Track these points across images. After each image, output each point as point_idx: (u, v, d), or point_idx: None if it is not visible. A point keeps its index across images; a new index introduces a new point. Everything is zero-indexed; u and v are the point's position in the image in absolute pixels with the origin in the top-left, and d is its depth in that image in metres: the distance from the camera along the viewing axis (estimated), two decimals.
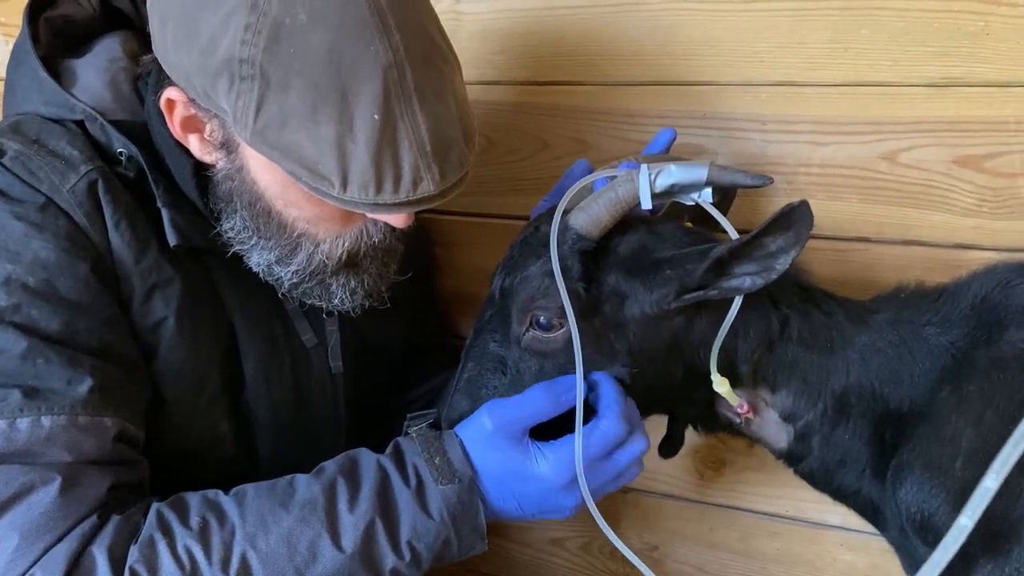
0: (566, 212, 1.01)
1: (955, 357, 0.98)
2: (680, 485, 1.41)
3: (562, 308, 0.97)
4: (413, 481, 0.99)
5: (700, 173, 1.00)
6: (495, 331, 1.05)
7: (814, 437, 1.05)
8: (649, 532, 1.46)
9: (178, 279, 1.03)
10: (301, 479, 1.00)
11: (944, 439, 0.95)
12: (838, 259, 1.22)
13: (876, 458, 1.03)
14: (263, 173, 0.98)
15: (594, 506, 1.02)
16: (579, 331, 0.97)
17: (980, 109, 1.11)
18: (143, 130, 1.05)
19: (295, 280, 1.05)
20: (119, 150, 1.03)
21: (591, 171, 1.14)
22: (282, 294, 1.08)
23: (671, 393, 1.06)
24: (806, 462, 1.08)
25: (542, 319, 1.01)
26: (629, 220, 1.05)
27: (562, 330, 1.00)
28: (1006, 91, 1.09)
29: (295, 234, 1.02)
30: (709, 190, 1.02)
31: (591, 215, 1.00)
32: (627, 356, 1.02)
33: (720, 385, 1.01)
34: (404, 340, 1.34)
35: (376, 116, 0.88)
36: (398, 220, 1.00)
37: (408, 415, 1.05)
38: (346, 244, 1.03)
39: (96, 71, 1.07)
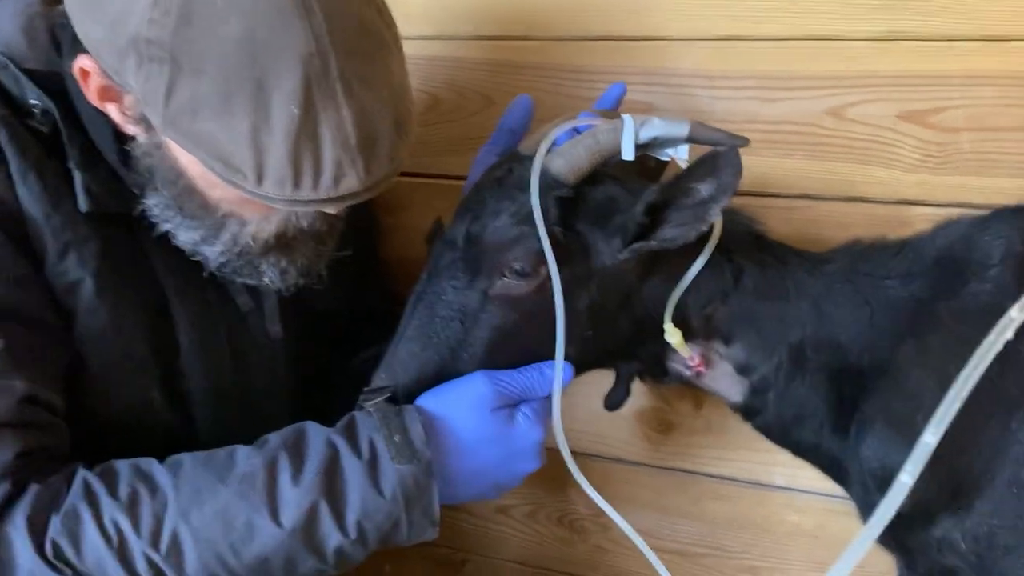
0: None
1: (916, 310, 0.98)
2: (627, 449, 1.40)
3: (539, 254, 0.94)
4: (366, 455, 0.94)
5: (682, 129, 0.99)
6: (455, 278, 1.00)
7: (769, 391, 1.04)
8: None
9: (96, 239, 0.97)
10: (242, 451, 0.96)
11: (906, 393, 0.95)
12: (784, 217, 1.22)
13: (834, 413, 1.02)
14: (183, 153, 0.92)
15: (573, 462, 1.01)
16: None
17: (925, 63, 1.12)
18: (61, 82, 0.98)
19: (222, 260, 1.00)
20: (32, 102, 0.96)
21: (532, 106, 1.12)
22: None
23: (619, 348, 1.05)
24: (762, 416, 1.07)
25: (517, 266, 0.97)
26: (599, 173, 1.02)
27: (537, 278, 0.97)
28: (951, 45, 1.10)
29: (219, 214, 0.96)
30: (686, 147, 1.01)
31: (570, 161, 0.97)
32: (586, 312, 0.99)
33: (672, 336, 1.00)
34: (346, 305, 1.29)
35: (295, 108, 0.82)
36: (329, 209, 0.94)
37: (364, 389, 1.00)
38: (273, 227, 0.97)
39: (10, 15, 1.00)
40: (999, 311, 0.92)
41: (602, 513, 1.44)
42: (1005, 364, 0.90)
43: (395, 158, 0.90)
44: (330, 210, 0.93)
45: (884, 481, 0.95)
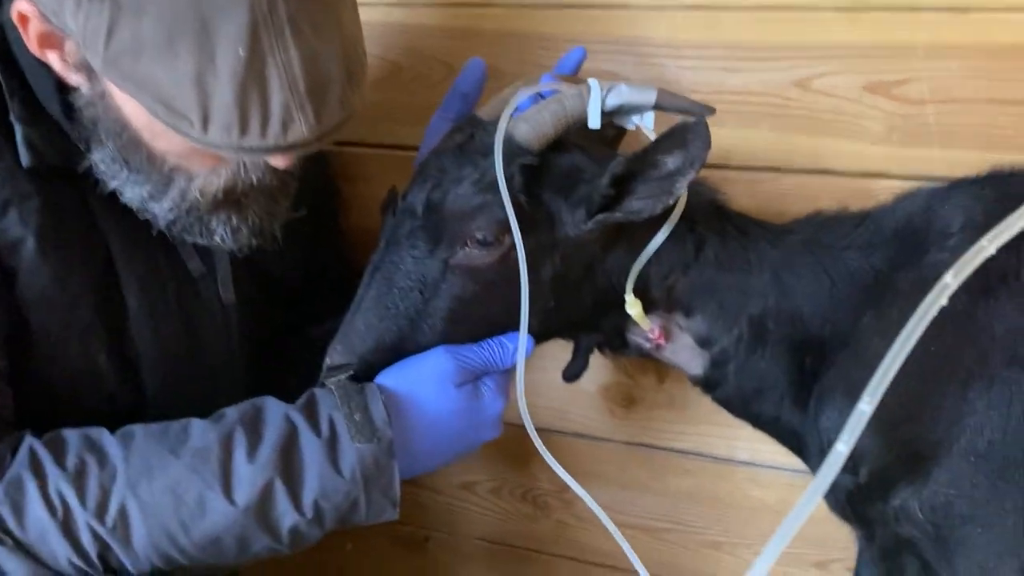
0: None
1: (877, 281, 0.97)
2: (590, 424, 1.39)
3: (503, 223, 0.92)
4: (325, 433, 0.92)
5: (649, 96, 0.97)
6: (415, 247, 0.97)
7: (730, 363, 1.03)
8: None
9: (38, 196, 0.94)
10: (197, 424, 0.93)
11: (866, 364, 0.94)
12: (748, 190, 1.21)
13: (795, 386, 1.02)
14: (127, 101, 0.88)
15: (535, 434, 0.99)
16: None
17: (891, 34, 1.10)
18: None
19: (171, 217, 0.96)
20: None
21: (485, 70, 1.10)
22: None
23: (581, 319, 1.03)
24: (722, 389, 1.06)
25: (480, 235, 0.94)
26: (564, 141, 1.00)
27: (500, 247, 0.94)
28: (917, 16, 1.09)
29: (166, 168, 0.93)
30: (652, 115, 0.99)
31: (535, 126, 0.95)
32: (549, 283, 0.98)
33: (633, 307, 0.99)
34: (302, 274, 1.26)
35: (241, 51, 0.79)
36: (277, 161, 0.91)
37: (325, 365, 0.98)
38: (222, 181, 0.94)
39: None
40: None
41: (566, 489, 1.44)
42: (961, 333, 0.90)
43: (346, 107, 0.87)
44: (279, 161, 0.90)
45: None
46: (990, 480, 0.88)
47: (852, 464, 0.95)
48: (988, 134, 1.09)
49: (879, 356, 0.93)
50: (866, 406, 0.64)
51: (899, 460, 0.92)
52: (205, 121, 0.81)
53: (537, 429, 1.02)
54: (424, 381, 0.96)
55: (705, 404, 1.21)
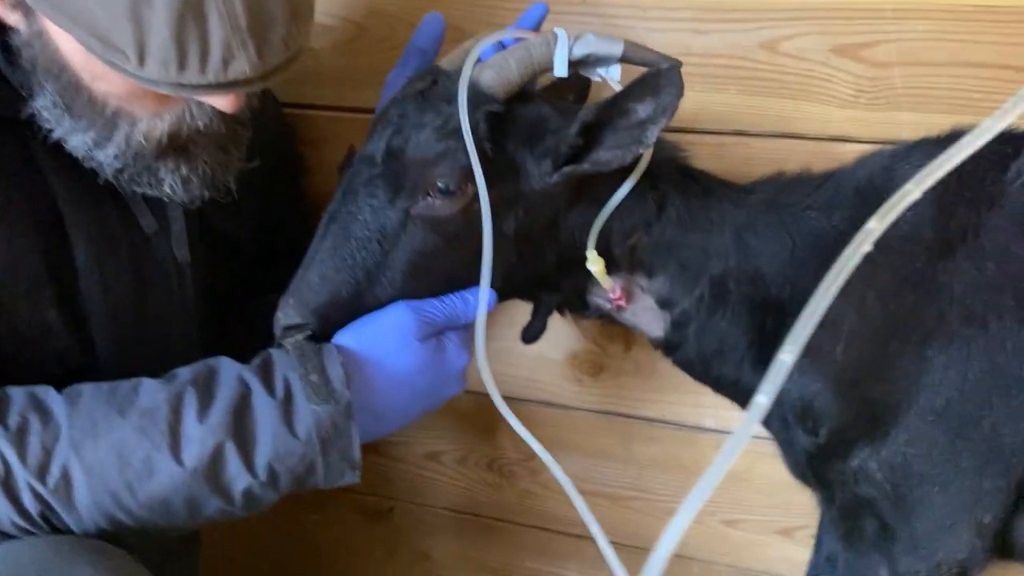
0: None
1: (838, 241, 0.95)
2: (557, 392, 1.38)
3: (466, 171, 0.89)
4: (280, 394, 0.90)
5: (616, 48, 0.95)
6: (374, 196, 0.94)
7: (690, 325, 1.02)
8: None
9: None
10: (148, 384, 0.91)
11: (825, 324, 0.92)
12: (715, 154, 1.19)
13: (755, 347, 1.01)
14: (65, 39, 0.85)
15: (497, 392, 0.96)
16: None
17: None
18: None
19: (117, 165, 0.94)
20: None
21: (443, 25, 1.08)
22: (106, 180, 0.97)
23: (543, 277, 1.02)
24: (682, 351, 1.05)
25: (442, 183, 0.91)
26: (529, 93, 0.98)
27: (463, 197, 0.92)
28: None
29: (108, 111, 0.90)
30: (619, 67, 0.97)
31: (501, 74, 0.92)
32: (512, 237, 0.96)
33: (594, 264, 0.97)
34: (262, 237, 1.24)
35: None
36: (221, 103, 0.89)
37: (280, 323, 0.95)
38: (166, 125, 0.91)
39: None
40: (920, 239, 0.91)
41: (532, 458, 1.44)
42: (920, 292, 0.89)
43: (291, 46, 0.85)
44: (224, 103, 0.88)
45: (802, 412, 0.95)
46: (948, 439, 0.88)
47: (812, 425, 0.95)
48: (955, 97, 1.09)
49: (841, 317, 0.93)
50: (787, 356, 0.63)
51: (858, 420, 0.91)
52: (141, 56, 0.79)
53: (504, 398, 1.00)
54: (384, 338, 0.94)
55: (672, 372, 1.20)
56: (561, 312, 1.10)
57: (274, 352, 0.93)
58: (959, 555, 0.91)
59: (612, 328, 1.30)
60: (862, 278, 0.92)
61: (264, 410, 0.89)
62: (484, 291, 0.92)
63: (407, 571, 1.55)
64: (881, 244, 0.92)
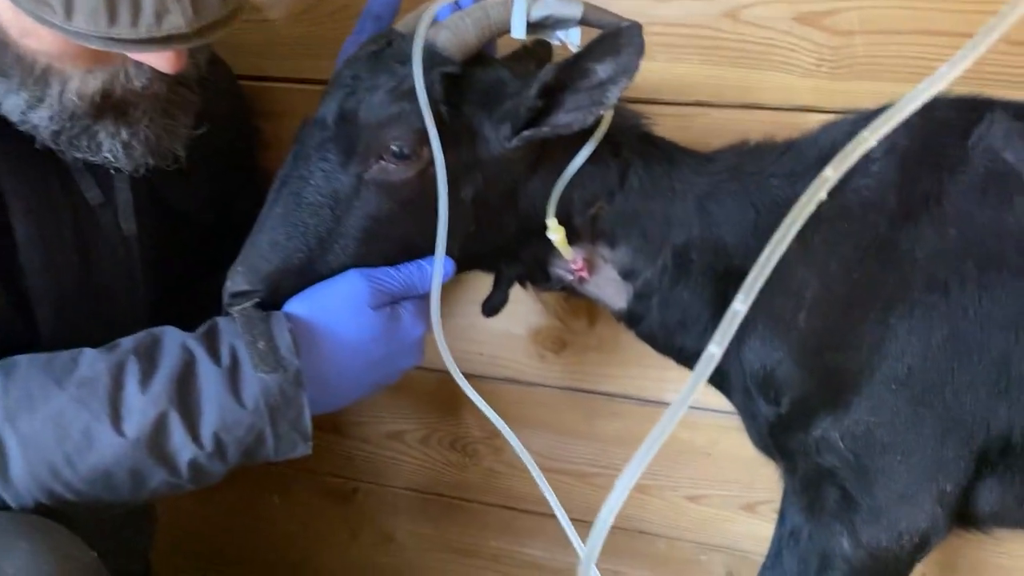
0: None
1: None
2: (521, 368, 1.36)
3: (420, 134, 0.87)
4: (226, 362, 0.87)
5: (575, 10, 0.93)
6: (325, 160, 0.91)
7: (653, 296, 1.01)
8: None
9: None
10: (87, 354, 0.88)
11: (788, 292, 0.93)
12: (677, 125, 1.17)
13: (718, 318, 0.98)
14: None
15: (453, 363, 0.95)
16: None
17: None
18: None
19: (53, 127, 0.90)
20: None
21: None
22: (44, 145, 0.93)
23: (503, 247, 1.00)
24: (645, 322, 1.04)
25: (397, 147, 0.89)
26: (487, 57, 0.96)
27: (418, 161, 0.89)
28: None
29: (38, 70, 0.87)
30: (578, 31, 0.95)
31: (457, 35, 0.90)
32: (470, 205, 0.93)
33: (555, 233, 0.95)
34: (216, 212, 1.21)
35: None
36: (158, 61, 0.85)
37: (227, 291, 0.93)
38: (99, 83, 0.88)
39: None
40: (883, 206, 0.90)
41: (495, 436, 1.42)
42: (883, 259, 0.89)
43: (229, 2, 0.82)
44: (157, 59, 0.85)
45: (764, 381, 0.94)
46: (911, 407, 0.88)
47: (774, 395, 0.94)
48: (915, 66, 1.08)
49: (803, 285, 0.92)
50: (740, 305, 0.61)
51: (820, 389, 0.90)
52: (69, 8, 0.76)
53: (467, 376, 0.99)
54: (336, 306, 0.91)
55: (635, 346, 1.19)
56: (523, 284, 1.08)
57: (220, 320, 0.91)
58: (921, 524, 0.91)
59: (575, 302, 1.29)
60: (825, 246, 0.92)
61: (209, 378, 0.86)
62: (439, 259, 0.90)
63: (371, 553, 1.53)
64: (844, 211, 0.92)
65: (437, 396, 1.42)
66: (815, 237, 0.92)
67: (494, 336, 1.35)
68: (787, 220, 0.61)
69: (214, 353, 0.87)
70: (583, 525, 1.40)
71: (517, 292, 1.24)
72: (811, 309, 0.90)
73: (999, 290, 0.85)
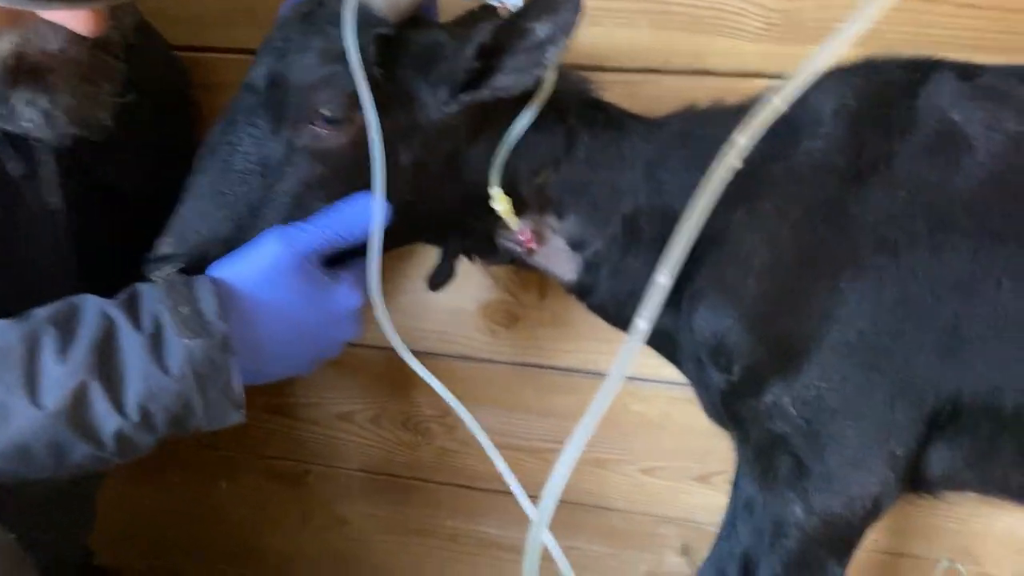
0: None
1: (750, 175, 0.93)
2: (471, 345, 1.34)
3: (353, 97, 0.83)
4: (149, 328, 0.83)
5: None
6: (255, 125, 0.87)
7: (603, 266, 0.99)
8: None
9: None
10: (0, 324, 0.84)
11: (737, 259, 0.91)
12: (625, 92, 1.14)
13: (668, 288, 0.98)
14: None
15: (394, 333, 0.92)
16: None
17: None
18: None
19: None
20: None
21: None
22: None
23: (445, 218, 0.97)
24: (596, 294, 1.02)
25: (328, 111, 0.85)
26: (422, 20, 0.93)
27: (350, 127, 0.86)
28: None
29: None
30: None
31: None
32: (410, 173, 0.90)
33: (500, 203, 0.93)
34: (151, 185, 1.15)
35: None
36: (72, 21, 0.81)
37: (148, 256, 0.89)
38: (10, 45, 0.83)
39: None
40: (832, 168, 0.89)
41: (448, 413, 1.40)
42: (832, 223, 0.87)
43: None
44: (68, 18, 0.80)
45: (715, 350, 0.92)
46: (861, 372, 0.87)
47: (725, 362, 0.92)
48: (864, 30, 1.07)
49: (753, 252, 0.91)
50: (663, 279, 0.59)
51: (771, 355, 0.89)
52: None
53: (416, 353, 0.96)
54: (259, 269, 0.87)
55: (587, 320, 1.17)
56: (470, 257, 1.05)
57: (141, 286, 0.87)
58: (873, 490, 0.90)
59: (525, 275, 1.26)
60: (775, 211, 0.90)
61: (131, 346, 0.83)
62: (377, 231, 0.87)
63: (323, 537, 1.50)
64: (793, 175, 0.91)
65: (387, 375, 1.39)
66: (765, 203, 0.90)
67: (443, 312, 1.32)
68: (701, 190, 0.59)
69: (135, 320, 0.84)
70: (539, 501, 1.39)
71: (466, 266, 1.22)
72: (760, 275, 0.89)
73: (949, 251, 0.84)
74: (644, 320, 0.59)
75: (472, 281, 1.29)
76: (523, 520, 0.95)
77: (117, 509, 1.51)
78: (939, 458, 0.91)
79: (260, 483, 1.49)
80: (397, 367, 1.33)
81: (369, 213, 0.88)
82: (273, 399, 1.43)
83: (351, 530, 1.48)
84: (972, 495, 0.99)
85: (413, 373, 1.43)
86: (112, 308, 0.84)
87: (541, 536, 0.58)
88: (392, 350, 0.96)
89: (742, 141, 0.61)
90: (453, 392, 1.00)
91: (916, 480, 0.93)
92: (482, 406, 1.36)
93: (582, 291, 1.03)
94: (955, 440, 0.89)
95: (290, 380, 1.43)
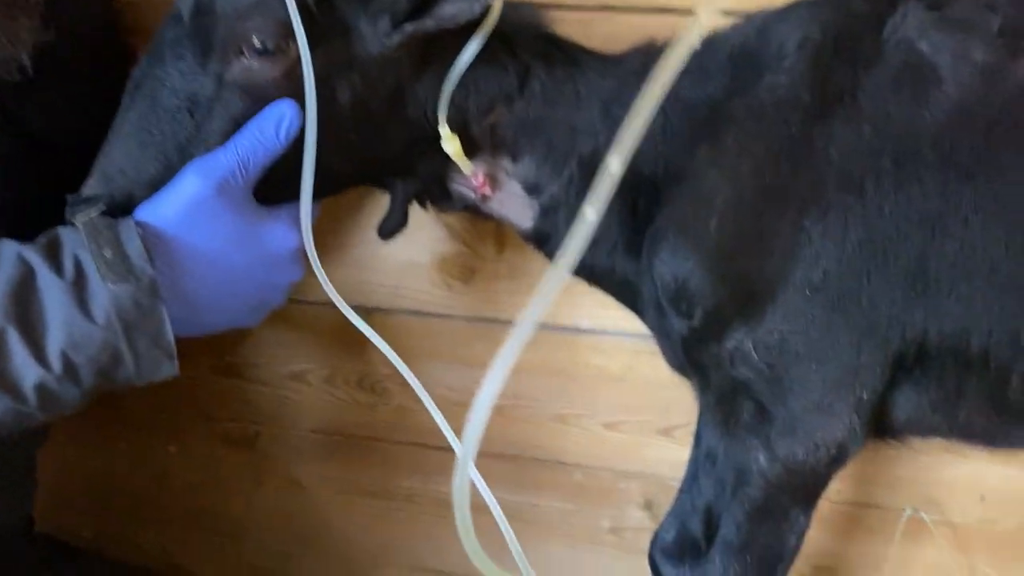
0: None
1: (712, 111, 0.90)
2: (426, 300, 1.29)
3: (286, 26, 0.78)
4: (70, 273, 0.79)
5: None
6: (182, 59, 0.82)
7: (560, 211, 0.95)
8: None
9: None
10: None
11: (699, 199, 0.88)
12: (580, 31, 1.09)
13: (628, 231, 0.95)
14: None
15: (315, 257, 0.86)
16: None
17: None
18: None
19: None
20: None
21: None
22: None
23: (392, 160, 0.92)
24: (554, 241, 0.98)
25: (258, 41, 0.80)
26: None
27: (284, 59, 0.81)
28: None
29: None
30: None
31: None
32: (348, 110, 0.85)
33: (449, 142, 0.88)
34: (79, 133, 1.09)
35: None
36: None
37: (69, 198, 0.83)
38: None
39: None
40: (796, 103, 0.85)
41: None
42: (796, 159, 0.84)
43: None
44: None
45: (676, 294, 0.89)
46: (826, 314, 0.84)
47: (686, 307, 0.89)
48: None
49: (715, 190, 0.87)
50: (615, 165, 0.56)
51: (733, 299, 0.86)
52: None
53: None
54: (180, 206, 0.82)
55: (546, 272, 1.14)
56: (422, 204, 1.01)
57: (62, 229, 0.82)
58: (837, 434, 0.88)
59: (482, 226, 1.22)
60: (737, 148, 0.87)
61: (51, 292, 0.78)
62: (308, 159, 0.82)
63: (277, 501, 1.45)
64: (756, 111, 0.87)
65: (341, 332, 1.34)
66: (727, 140, 0.87)
67: (396, 266, 1.27)
68: (629, 119, 0.55)
69: (56, 264, 0.79)
70: (501, 459, 1.36)
71: (420, 218, 1.18)
72: (723, 215, 0.86)
73: (915, 187, 0.81)
74: (592, 210, 0.55)
75: (426, 233, 1.24)
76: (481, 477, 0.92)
77: (62, 476, 1.46)
78: (905, 402, 0.89)
79: (210, 446, 1.44)
80: (350, 325, 1.28)
81: (284, 121, 0.82)
82: (221, 359, 1.37)
83: (305, 493, 1.44)
84: (937, 441, 0.98)
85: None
86: (30, 252, 0.79)
87: (467, 471, 0.55)
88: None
89: (615, 165, 0.57)
90: (408, 350, 0.96)
91: (881, 425, 0.91)
92: (439, 363, 1.32)
93: (540, 239, 0.99)
94: (921, 383, 0.87)
95: (238, 339, 1.39)
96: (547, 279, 0.55)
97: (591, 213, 0.53)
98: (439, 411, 0.92)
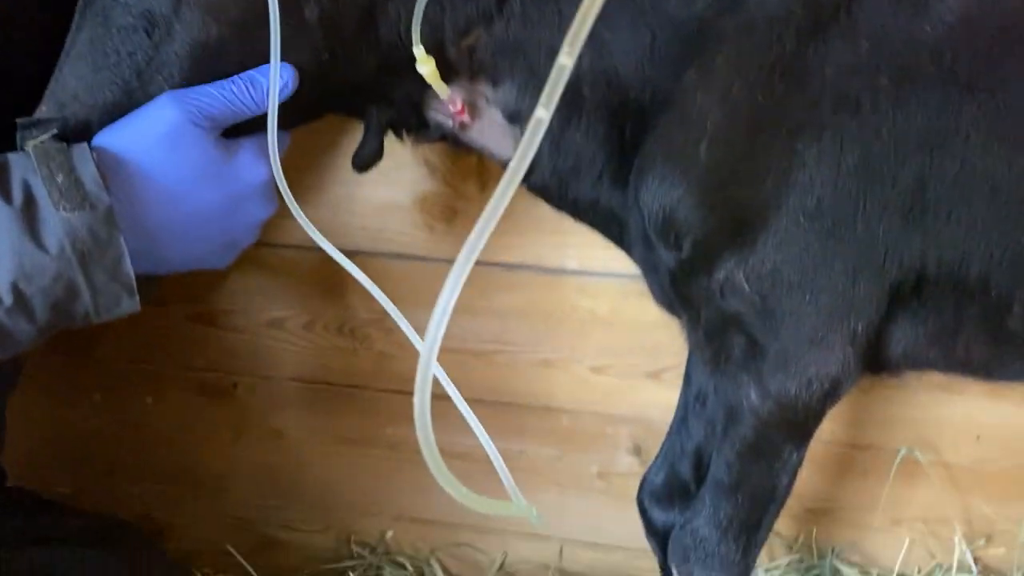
0: None
1: (700, 30, 0.85)
2: (407, 243, 1.25)
3: None
4: (19, 200, 0.74)
5: None
6: None
7: (543, 140, 0.90)
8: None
9: None
10: None
11: (688, 123, 0.83)
12: None
13: (614, 159, 0.90)
14: None
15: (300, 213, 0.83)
16: None
17: None
18: None
19: None
20: None
21: None
22: None
23: (365, 84, 0.87)
24: (537, 172, 0.94)
25: None
26: None
27: None
28: None
29: None
30: None
31: None
32: (318, 31, 0.81)
33: (423, 64, 0.83)
34: (45, 67, 1.04)
35: None
36: None
37: (19, 121, 0.79)
38: None
39: None
40: (788, 19, 0.81)
41: (385, 317, 1.31)
42: (790, 79, 0.80)
43: None
44: None
45: (664, 225, 0.85)
46: (820, 241, 0.80)
47: (675, 239, 0.85)
48: None
49: (704, 113, 0.83)
50: (566, 59, 0.51)
51: (723, 227, 0.82)
52: None
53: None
54: (149, 136, 0.78)
55: (531, 211, 1.10)
56: (398, 134, 0.96)
57: (10, 154, 0.77)
58: (831, 369, 0.85)
59: (464, 164, 1.17)
60: (728, 67, 0.82)
61: None
62: (274, 84, 0.77)
63: (258, 451, 1.42)
64: (748, 28, 0.82)
65: (319, 277, 1.30)
66: (718, 60, 0.82)
67: (376, 207, 1.23)
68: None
69: (3, 191, 0.74)
70: (485, 405, 1.32)
71: (400, 157, 1.13)
72: (713, 139, 0.81)
73: (914, 105, 0.77)
74: (544, 109, 0.51)
75: (406, 172, 1.20)
76: (466, 427, 0.89)
77: (37, 430, 1.42)
78: (901, 335, 0.86)
79: (188, 397, 1.40)
80: (330, 269, 1.24)
81: (280, 81, 0.79)
82: (196, 307, 1.33)
83: (287, 443, 1.41)
84: (932, 375, 0.95)
85: (347, 275, 1.34)
86: None
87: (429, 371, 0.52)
88: (323, 250, 0.88)
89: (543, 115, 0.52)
90: (390, 294, 0.93)
91: (876, 358, 0.88)
92: (421, 307, 1.26)
93: None
94: (918, 314, 0.84)
95: (213, 286, 1.35)
96: (501, 183, 0.50)
97: (543, 113, 0.49)
98: (440, 368, 0.88)
